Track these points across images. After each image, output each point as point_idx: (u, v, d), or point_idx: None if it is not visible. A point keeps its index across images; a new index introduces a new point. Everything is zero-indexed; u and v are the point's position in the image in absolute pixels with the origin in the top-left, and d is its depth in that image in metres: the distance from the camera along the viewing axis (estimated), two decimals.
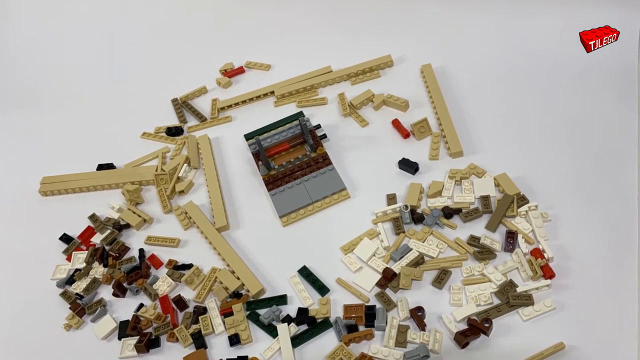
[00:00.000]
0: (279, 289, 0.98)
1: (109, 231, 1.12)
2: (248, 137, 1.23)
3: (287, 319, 0.93)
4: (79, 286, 1.05)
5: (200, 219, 1.10)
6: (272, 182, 1.13)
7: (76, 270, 1.08)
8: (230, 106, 1.35)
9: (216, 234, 1.07)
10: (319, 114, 1.27)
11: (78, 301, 1.02)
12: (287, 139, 1.18)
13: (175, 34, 1.62)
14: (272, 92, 1.34)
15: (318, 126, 1.20)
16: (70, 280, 1.06)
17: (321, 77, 1.33)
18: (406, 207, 1.01)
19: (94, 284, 1.04)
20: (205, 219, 1.10)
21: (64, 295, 1.03)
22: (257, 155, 1.17)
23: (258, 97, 1.34)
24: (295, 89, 1.32)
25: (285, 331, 0.90)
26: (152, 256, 1.06)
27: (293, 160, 1.15)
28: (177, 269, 1.04)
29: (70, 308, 1.01)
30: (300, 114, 1.24)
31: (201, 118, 1.34)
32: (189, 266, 1.04)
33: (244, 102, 1.34)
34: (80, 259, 1.09)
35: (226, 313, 0.95)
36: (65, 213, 1.20)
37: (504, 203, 0.99)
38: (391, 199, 1.05)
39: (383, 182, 1.09)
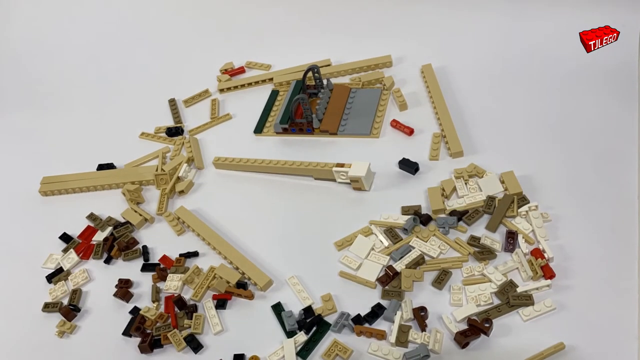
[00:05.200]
0: (278, 288, 0.98)
1: (122, 226, 1.12)
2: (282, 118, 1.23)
3: (302, 323, 0.92)
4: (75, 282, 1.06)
5: (195, 223, 1.09)
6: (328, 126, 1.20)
7: (58, 270, 1.08)
8: (229, 88, 1.39)
9: (214, 235, 1.07)
10: None
11: (71, 309, 1.01)
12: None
13: (176, 34, 1.62)
14: (271, 79, 1.38)
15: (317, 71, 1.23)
16: (51, 276, 1.07)
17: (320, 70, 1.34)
18: (415, 219, 1.00)
19: (75, 294, 1.03)
20: (200, 221, 1.10)
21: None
22: (295, 124, 1.21)
23: (257, 83, 1.38)
24: (294, 78, 1.34)
25: (291, 346, 0.89)
26: (164, 257, 1.06)
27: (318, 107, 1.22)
28: (183, 257, 1.05)
29: (59, 312, 1.00)
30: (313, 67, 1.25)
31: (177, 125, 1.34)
32: (195, 254, 1.05)
33: (242, 86, 1.38)
34: (71, 259, 1.09)
35: (220, 299, 0.96)
36: (65, 213, 1.20)
37: (504, 203, 0.99)
38: (406, 211, 1.03)
39: (382, 182, 1.09)
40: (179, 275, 1.01)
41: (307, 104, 1.17)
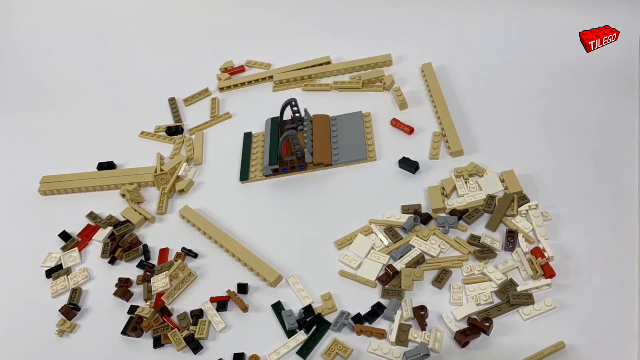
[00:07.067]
0: (278, 288, 0.98)
1: (122, 225, 1.12)
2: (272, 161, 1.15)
3: (302, 322, 0.92)
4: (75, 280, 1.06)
5: (201, 222, 1.09)
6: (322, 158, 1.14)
7: (57, 267, 1.09)
8: (229, 87, 1.39)
9: (221, 233, 1.06)
10: (322, 100, 1.28)
11: (71, 308, 1.01)
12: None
13: (176, 33, 1.62)
14: (271, 78, 1.38)
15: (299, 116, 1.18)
16: (50, 272, 1.08)
17: (320, 69, 1.35)
18: (415, 218, 1.00)
19: (75, 293, 1.03)
20: (205, 220, 1.10)
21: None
22: (285, 163, 1.13)
23: (257, 81, 1.38)
24: (293, 77, 1.34)
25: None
26: (165, 250, 1.07)
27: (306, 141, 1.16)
28: (184, 252, 1.06)
29: (60, 311, 1.00)
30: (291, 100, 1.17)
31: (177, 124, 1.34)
32: (195, 255, 1.05)
33: (242, 84, 1.38)
34: (72, 257, 1.10)
35: (219, 301, 0.96)
36: (65, 213, 1.19)
37: (505, 202, 0.99)
38: (406, 210, 1.03)
39: (383, 182, 1.09)
40: (164, 273, 1.02)
41: (297, 140, 1.09)
